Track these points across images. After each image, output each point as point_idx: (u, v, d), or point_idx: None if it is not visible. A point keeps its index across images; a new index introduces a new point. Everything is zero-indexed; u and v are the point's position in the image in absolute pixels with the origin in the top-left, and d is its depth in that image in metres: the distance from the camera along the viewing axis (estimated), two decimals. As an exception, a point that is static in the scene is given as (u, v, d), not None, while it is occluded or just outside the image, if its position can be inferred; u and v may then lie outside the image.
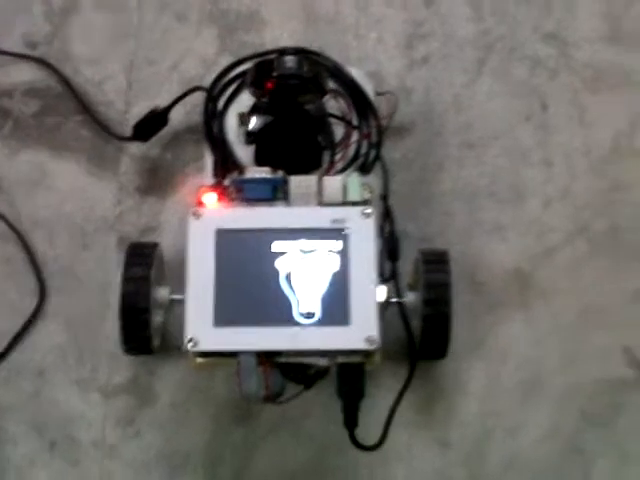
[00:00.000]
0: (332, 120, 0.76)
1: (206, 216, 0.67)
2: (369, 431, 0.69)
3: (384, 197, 0.73)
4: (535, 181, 0.86)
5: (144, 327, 0.72)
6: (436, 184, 0.86)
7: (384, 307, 0.69)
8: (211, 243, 0.66)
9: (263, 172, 0.69)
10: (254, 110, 0.73)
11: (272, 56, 0.76)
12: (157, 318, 0.76)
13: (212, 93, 0.78)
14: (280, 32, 0.92)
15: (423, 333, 0.72)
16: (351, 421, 0.65)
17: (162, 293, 0.74)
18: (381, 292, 0.68)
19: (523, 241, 0.84)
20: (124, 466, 0.77)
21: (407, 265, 0.77)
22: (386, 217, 0.73)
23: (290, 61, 0.70)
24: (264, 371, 0.64)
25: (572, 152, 0.87)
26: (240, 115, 0.75)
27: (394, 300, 0.72)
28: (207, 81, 0.83)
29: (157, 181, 0.86)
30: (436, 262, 0.73)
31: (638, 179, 0.85)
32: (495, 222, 0.84)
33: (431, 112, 0.88)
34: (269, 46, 0.89)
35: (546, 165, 0.86)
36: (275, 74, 0.70)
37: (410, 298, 0.74)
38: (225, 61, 0.87)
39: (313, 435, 0.77)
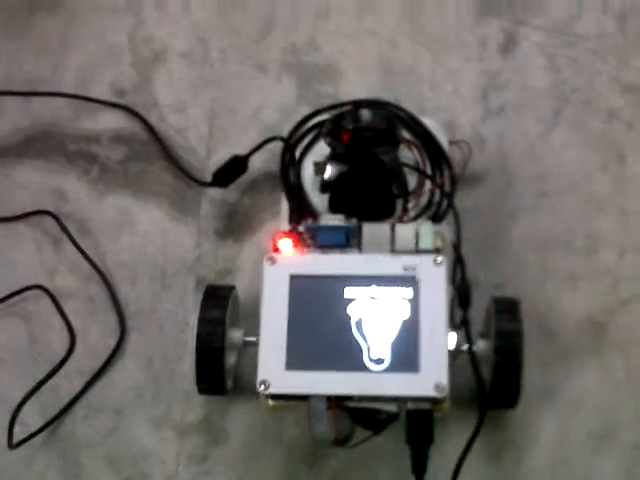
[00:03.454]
0: (406, 169, 0.78)
1: (281, 262, 0.69)
2: (437, 479, 0.69)
3: (456, 245, 0.74)
4: (610, 230, 0.85)
5: (218, 368, 0.74)
6: (509, 233, 0.86)
7: (454, 355, 0.70)
8: (285, 288, 0.68)
9: (337, 220, 0.71)
10: (330, 159, 0.75)
11: (348, 107, 0.78)
12: (230, 359, 0.77)
13: (289, 142, 0.80)
14: (356, 84, 0.94)
15: (493, 382, 0.72)
16: (419, 468, 0.66)
17: (236, 335, 0.75)
18: (451, 340, 0.69)
19: (597, 291, 0.83)
20: (196, 504, 0.79)
21: (479, 313, 0.77)
22: (458, 265, 0.73)
23: (365, 114, 0.72)
24: (334, 415, 0.65)
25: (647, 202, 0.86)
26: (316, 164, 0.77)
27: (464, 348, 0.72)
28: (285, 130, 0.86)
29: (235, 225, 0.88)
30: (508, 311, 0.74)
31: None
32: (568, 271, 0.84)
33: (505, 161, 0.89)
34: (345, 97, 0.91)
35: (622, 214, 0.86)
36: (351, 126, 0.72)
37: (481, 346, 0.74)
38: (303, 111, 0.90)
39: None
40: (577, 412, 0.79)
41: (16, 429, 0.79)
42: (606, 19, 0.95)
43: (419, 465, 0.66)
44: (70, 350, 0.80)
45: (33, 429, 0.80)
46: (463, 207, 0.84)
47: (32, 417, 0.82)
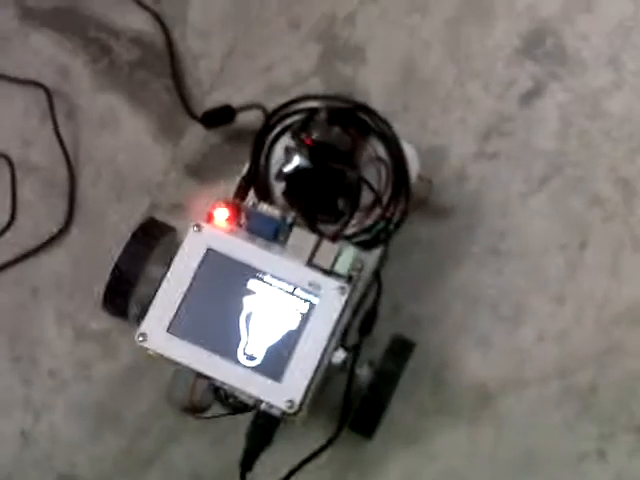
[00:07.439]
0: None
1: (205, 232, 0.72)
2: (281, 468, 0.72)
3: (377, 272, 0.76)
4: (541, 312, 0.87)
5: (124, 297, 0.77)
6: (448, 276, 0.88)
7: (337, 370, 0.73)
8: (199, 258, 0.71)
9: (274, 212, 0.73)
10: (296, 151, 0.77)
11: (340, 104, 0.79)
12: (145, 291, 0.80)
13: (270, 119, 0.80)
14: (374, 75, 0.94)
15: (358, 410, 0.76)
16: (246, 464, 0.69)
17: (156, 272, 0.78)
18: (339, 355, 0.72)
19: (502, 364, 0.85)
20: (65, 403, 0.85)
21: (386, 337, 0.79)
22: (376, 294, 0.76)
23: (333, 131, 0.73)
24: (195, 386, 0.69)
25: (588, 299, 0.87)
26: (286, 149, 0.79)
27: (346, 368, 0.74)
28: (286, 96, 0.86)
29: (206, 167, 0.91)
30: (397, 353, 0.76)
31: (635, 351, 0.85)
32: (484, 334, 0.86)
33: (475, 207, 0.90)
34: (360, 84, 0.93)
35: (558, 301, 0.87)
36: (314, 137, 0.73)
37: (364, 372, 0.77)
38: (314, 82, 0.92)
39: (231, 451, 0.81)
40: (429, 465, 0.82)
41: None
42: (636, 105, 0.93)
43: (247, 462, 0.70)
44: (8, 224, 0.85)
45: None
46: (417, 236, 0.87)
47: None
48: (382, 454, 0.82)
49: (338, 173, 0.76)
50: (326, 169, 0.76)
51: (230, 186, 0.82)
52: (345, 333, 0.74)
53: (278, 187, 0.79)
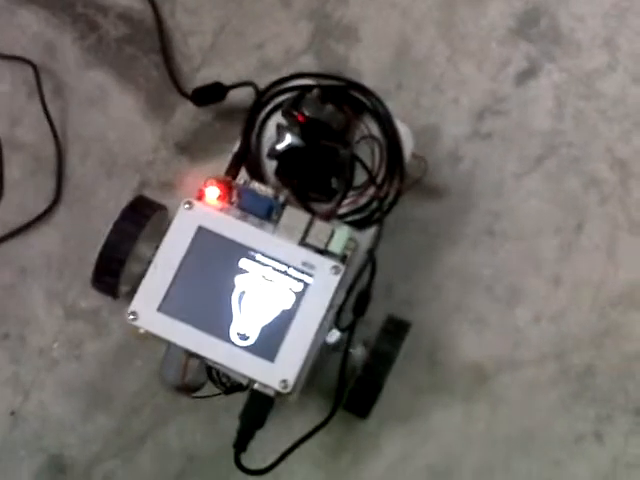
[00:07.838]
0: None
1: (197, 210, 0.70)
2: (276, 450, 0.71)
3: (372, 256, 0.75)
4: (536, 294, 0.86)
5: (114, 275, 0.76)
6: (442, 256, 0.87)
7: (330, 350, 0.72)
8: (189, 236, 0.70)
9: (266, 190, 0.72)
10: (290, 129, 0.75)
11: (335, 83, 0.78)
12: (135, 269, 0.79)
13: (262, 97, 0.79)
14: (367, 54, 0.93)
15: (352, 390, 0.75)
16: (240, 445, 0.68)
17: (145, 251, 0.77)
18: (333, 335, 0.71)
19: (497, 343, 0.84)
20: (55, 382, 0.83)
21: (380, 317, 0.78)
22: (369, 275, 0.75)
23: (325, 109, 0.72)
24: (187, 365, 0.68)
25: (584, 281, 0.86)
26: (278, 126, 0.77)
27: (341, 348, 0.74)
28: (277, 74, 0.85)
29: (197, 145, 0.90)
30: (393, 333, 0.76)
31: (632, 334, 0.84)
32: (479, 314, 0.85)
33: (469, 187, 0.89)
34: (352, 62, 0.91)
35: (554, 283, 0.86)
36: (307, 114, 0.72)
37: (358, 352, 0.76)
38: (306, 60, 0.90)
39: (224, 431, 0.80)
40: (424, 444, 0.82)
41: None
42: (631, 86, 0.92)
43: (241, 443, 0.69)
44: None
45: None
46: (411, 216, 0.86)
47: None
48: (377, 434, 0.82)
49: (331, 151, 0.75)
50: (319, 147, 0.75)
51: (221, 164, 0.80)
52: (339, 313, 0.72)
53: (270, 165, 0.78)
